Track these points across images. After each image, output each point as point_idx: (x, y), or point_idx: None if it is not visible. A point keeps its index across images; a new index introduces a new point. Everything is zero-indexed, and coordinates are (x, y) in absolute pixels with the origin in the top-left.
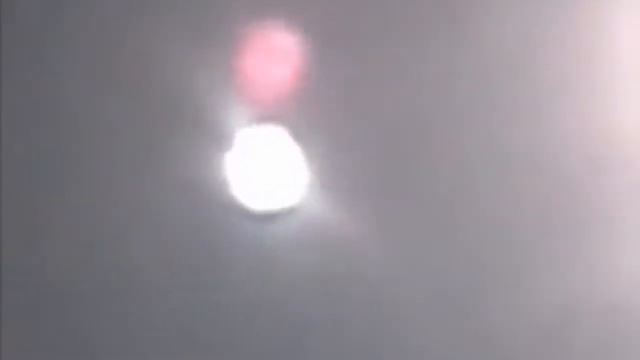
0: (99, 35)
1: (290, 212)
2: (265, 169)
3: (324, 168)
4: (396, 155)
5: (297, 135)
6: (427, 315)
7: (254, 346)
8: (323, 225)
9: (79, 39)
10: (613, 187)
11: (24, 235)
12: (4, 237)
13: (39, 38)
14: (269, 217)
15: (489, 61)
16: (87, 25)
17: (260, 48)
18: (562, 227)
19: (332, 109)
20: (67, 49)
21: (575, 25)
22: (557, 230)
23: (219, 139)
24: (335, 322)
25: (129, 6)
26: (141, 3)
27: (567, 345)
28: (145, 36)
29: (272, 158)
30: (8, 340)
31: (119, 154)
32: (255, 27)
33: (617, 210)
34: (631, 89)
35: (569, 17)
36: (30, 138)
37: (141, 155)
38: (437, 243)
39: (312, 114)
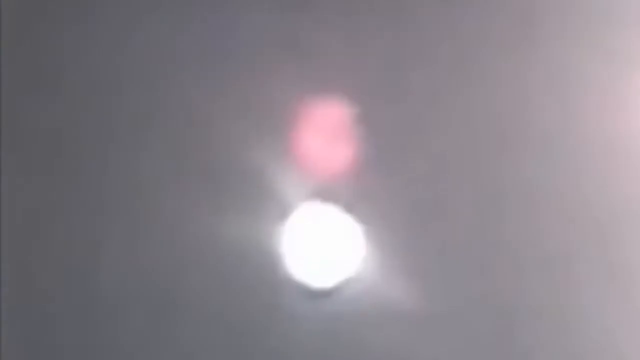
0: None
1: (346, 287)
2: (322, 245)
3: (379, 244)
4: (451, 228)
5: (352, 211)
6: None
7: None
8: (380, 299)
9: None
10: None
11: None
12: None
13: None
14: (325, 293)
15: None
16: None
17: (316, 125)
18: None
19: (386, 184)
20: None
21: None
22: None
23: (277, 214)
24: None
25: (189, 80)
26: (204, 80)
27: None
28: (206, 112)
29: (328, 233)
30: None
31: (181, 231)
32: (312, 105)
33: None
34: None
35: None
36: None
37: (201, 230)
38: (496, 314)
39: (366, 189)
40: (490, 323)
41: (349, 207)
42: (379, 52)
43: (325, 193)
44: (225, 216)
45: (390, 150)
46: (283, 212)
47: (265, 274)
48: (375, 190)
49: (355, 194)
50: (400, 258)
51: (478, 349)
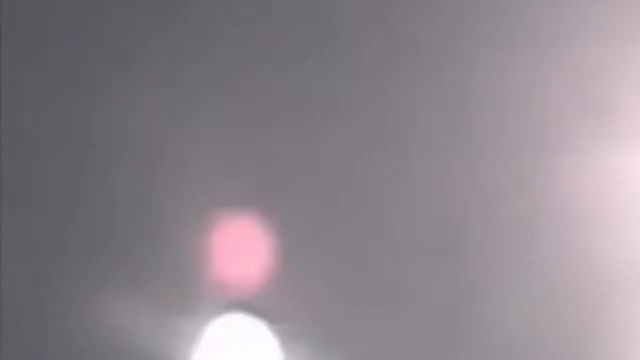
0: None
1: None
2: (241, 356)
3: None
4: (373, 334)
5: (272, 322)
6: None
7: None
8: None
9: None
10: None
11: None
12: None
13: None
14: None
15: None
16: None
17: (233, 238)
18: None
19: (303, 296)
20: None
21: None
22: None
23: (196, 326)
24: None
25: None
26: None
27: None
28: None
29: (245, 345)
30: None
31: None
32: (229, 217)
33: None
34: None
35: None
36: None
37: (119, 338)
38: None
39: (284, 302)
40: None
41: (270, 319)
42: (286, 159)
43: (244, 305)
44: (143, 327)
45: (308, 264)
46: (202, 324)
47: None
48: (293, 299)
49: (274, 304)
50: None
51: None
